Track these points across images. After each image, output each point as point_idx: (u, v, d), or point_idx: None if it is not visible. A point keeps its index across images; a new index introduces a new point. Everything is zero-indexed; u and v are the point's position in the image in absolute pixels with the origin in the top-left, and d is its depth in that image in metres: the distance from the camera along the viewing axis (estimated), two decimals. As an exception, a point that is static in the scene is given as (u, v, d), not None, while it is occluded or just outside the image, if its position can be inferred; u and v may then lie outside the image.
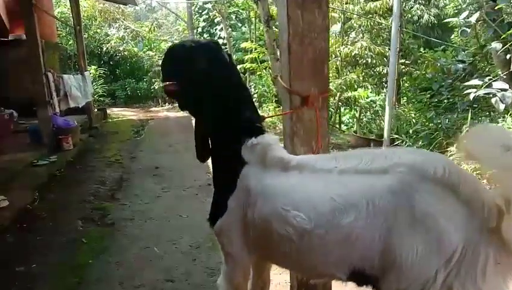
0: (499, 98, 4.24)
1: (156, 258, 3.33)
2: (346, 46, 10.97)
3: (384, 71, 11.27)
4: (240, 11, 15.65)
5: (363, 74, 11.32)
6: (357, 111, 11.94)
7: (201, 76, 1.63)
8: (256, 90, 11.67)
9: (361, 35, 13.17)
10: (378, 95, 12.87)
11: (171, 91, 1.76)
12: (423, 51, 13.06)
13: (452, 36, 15.62)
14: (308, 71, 1.84)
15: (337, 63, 10.49)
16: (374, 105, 12.34)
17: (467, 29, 4.81)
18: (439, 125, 5.77)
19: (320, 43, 1.83)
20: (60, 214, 4.24)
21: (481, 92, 4.38)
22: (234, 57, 13.10)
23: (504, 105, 4.21)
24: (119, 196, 4.85)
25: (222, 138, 1.71)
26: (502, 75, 4.69)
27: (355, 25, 13.48)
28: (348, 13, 13.43)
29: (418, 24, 15.11)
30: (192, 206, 4.49)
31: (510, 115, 4.39)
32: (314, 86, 1.86)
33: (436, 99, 6.57)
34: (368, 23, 13.56)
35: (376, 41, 12.52)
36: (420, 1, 14.89)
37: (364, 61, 11.24)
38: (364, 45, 11.09)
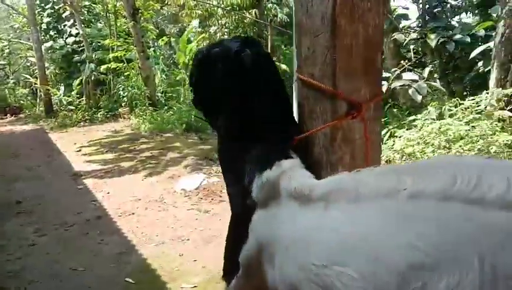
0: (415, 89, 4.14)
1: None
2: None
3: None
4: (93, 4, 13.85)
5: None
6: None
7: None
8: (126, 93, 10.35)
9: (222, 30, 12.91)
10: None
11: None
12: (284, 48, 13.54)
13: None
14: (359, 63, 1.16)
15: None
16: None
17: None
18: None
19: (374, 18, 1.16)
20: None
21: (397, 84, 4.25)
22: (94, 56, 11.47)
23: (421, 96, 4.13)
24: (-30, 254, 3.42)
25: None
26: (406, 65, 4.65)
27: (217, 21, 13.19)
28: (212, 7, 13.02)
29: (273, 21, 15.62)
30: (87, 252, 3.39)
31: (431, 105, 4.40)
32: (365, 86, 1.19)
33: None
34: (233, 20, 13.37)
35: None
36: (273, 0, 15.39)
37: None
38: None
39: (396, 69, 4.66)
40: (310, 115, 1.25)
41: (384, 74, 4.56)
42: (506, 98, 4.05)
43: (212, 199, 4.54)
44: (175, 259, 3.24)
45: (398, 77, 4.39)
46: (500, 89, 4.12)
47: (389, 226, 0.77)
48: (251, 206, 1.12)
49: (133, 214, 4.24)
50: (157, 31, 13.64)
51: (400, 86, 4.28)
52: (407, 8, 6.87)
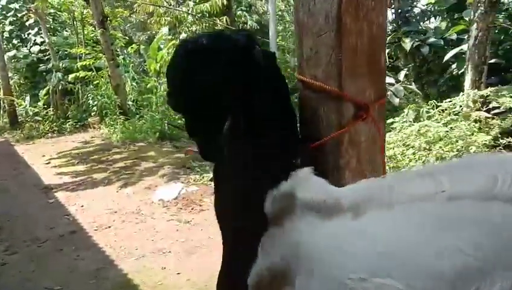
0: (392, 92, 4.17)
1: None
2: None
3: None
4: (58, 12, 13.43)
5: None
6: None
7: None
8: (95, 102, 10.05)
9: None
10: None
11: None
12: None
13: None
14: (364, 63, 1.11)
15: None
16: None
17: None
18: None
19: (377, 16, 1.11)
20: None
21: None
22: (61, 65, 11.11)
23: (398, 99, 4.16)
24: None
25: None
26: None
27: (187, 28, 13.08)
28: (182, 14, 12.91)
29: (243, 28, 15.75)
30: (62, 269, 3.20)
31: (409, 107, 4.44)
32: (370, 86, 1.14)
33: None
34: (204, 26, 13.30)
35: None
36: (243, 8, 15.52)
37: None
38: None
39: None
40: (313, 119, 1.18)
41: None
42: (481, 99, 4.14)
43: (192, 209, 4.41)
44: (157, 273, 3.10)
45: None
46: (476, 90, 4.21)
47: (431, 230, 0.70)
48: (259, 224, 1.01)
49: (109, 227, 4.06)
50: (127, 38, 13.38)
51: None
52: (380, 13, 6.99)
